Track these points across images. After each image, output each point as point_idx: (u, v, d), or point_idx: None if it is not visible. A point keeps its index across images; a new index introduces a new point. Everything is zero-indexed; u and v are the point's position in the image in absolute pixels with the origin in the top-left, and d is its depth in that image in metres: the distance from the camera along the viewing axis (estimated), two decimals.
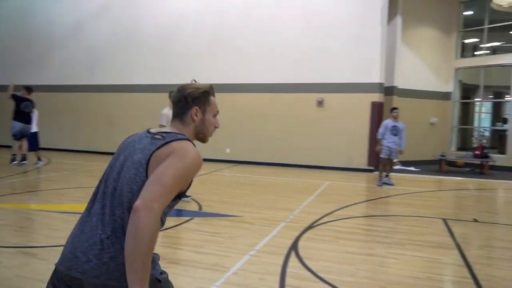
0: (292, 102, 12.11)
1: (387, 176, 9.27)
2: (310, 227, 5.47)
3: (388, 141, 8.88)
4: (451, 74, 13.83)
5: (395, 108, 9.21)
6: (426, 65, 13.46)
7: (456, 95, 14.09)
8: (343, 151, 11.63)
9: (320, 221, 5.81)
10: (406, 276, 3.82)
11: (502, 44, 14.57)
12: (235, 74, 12.61)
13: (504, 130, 13.13)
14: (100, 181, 1.63)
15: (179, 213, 5.99)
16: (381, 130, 9.00)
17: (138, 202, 1.37)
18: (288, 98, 12.18)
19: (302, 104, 11.99)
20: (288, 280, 3.62)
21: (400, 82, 12.55)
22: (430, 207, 7.12)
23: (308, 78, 11.97)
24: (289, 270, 3.86)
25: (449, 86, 13.85)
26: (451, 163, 12.75)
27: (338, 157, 11.69)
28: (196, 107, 1.73)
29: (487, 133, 17.32)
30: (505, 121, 14.22)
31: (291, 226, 5.47)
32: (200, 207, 6.44)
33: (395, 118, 8.96)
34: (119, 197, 1.52)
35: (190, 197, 6.76)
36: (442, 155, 12.21)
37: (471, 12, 14.29)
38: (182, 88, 1.75)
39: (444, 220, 6.03)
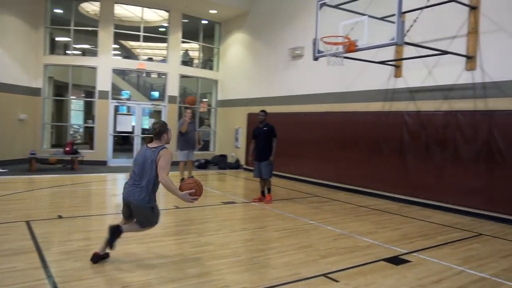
0: None
1: None
2: None
3: None
4: (40, 70, 13.54)
5: None
6: (12, 57, 12.48)
7: (46, 91, 13.95)
8: None
9: None
10: None
11: (92, 47, 15.64)
12: None
13: (93, 127, 14.19)
14: (133, 167, 4.49)
15: None
16: None
17: (160, 178, 4.22)
18: None
19: None
20: None
21: None
22: (13, 210, 6.63)
23: None
24: None
25: (38, 82, 13.51)
26: (44, 161, 12.54)
27: None
28: (165, 134, 4.50)
29: (81, 130, 18.25)
30: (93, 118, 15.37)
31: None
32: None
33: None
34: (146, 173, 4.31)
35: None
36: (32, 153, 11.78)
37: (60, 11, 14.48)
38: (160, 124, 4.55)
39: (28, 223, 5.78)
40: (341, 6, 7.51)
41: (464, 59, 7.78)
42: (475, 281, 4.26)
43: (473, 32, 7.64)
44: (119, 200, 8.49)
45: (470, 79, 7.76)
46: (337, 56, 6.87)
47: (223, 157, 14.76)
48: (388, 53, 8.97)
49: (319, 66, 10.11)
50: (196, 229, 6.01)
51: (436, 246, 5.53)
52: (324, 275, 4.24)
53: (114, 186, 10.27)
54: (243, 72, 14.60)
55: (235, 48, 15.18)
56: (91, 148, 14.13)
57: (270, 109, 12.76)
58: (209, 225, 6.32)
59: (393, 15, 6.31)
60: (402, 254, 5.07)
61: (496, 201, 7.25)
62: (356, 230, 6.25)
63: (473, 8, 7.63)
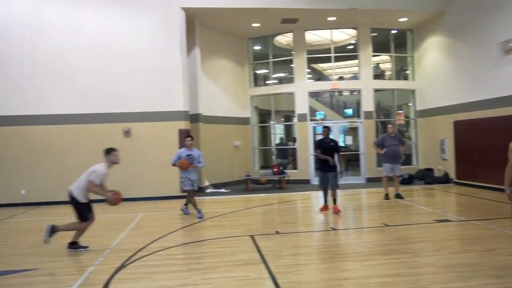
0: (96, 133, 11.35)
1: (186, 205, 9.01)
2: (122, 266, 5.11)
3: (185, 172, 8.48)
4: (248, 101, 15.40)
5: (188, 136, 8.78)
6: (225, 93, 14.61)
7: (254, 119, 15.71)
8: (154, 180, 11.46)
9: (134, 258, 5.50)
10: None
11: (286, 75, 16.97)
12: (23, 104, 11.24)
13: (295, 148, 15.19)
14: None
15: None
16: (174, 157, 8.55)
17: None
18: (91, 129, 11.38)
19: (108, 134, 11.36)
20: None
21: (204, 109, 13.23)
22: (239, 226, 7.59)
23: (113, 107, 11.50)
24: None
25: (247, 112, 15.37)
26: (256, 181, 14.01)
27: (149, 186, 11.45)
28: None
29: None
30: (295, 140, 16.45)
31: (101, 270, 5.01)
32: None
33: (189, 147, 8.53)
34: None
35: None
36: (247, 175, 13.34)
37: (259, 47, 16.25)
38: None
39: (252, 237, 6.49)
40: None
41: None
42: None
43: None
44: (323, 217, 8.76)
45: None
46: None
47: (429, 170, 13.63)
48: None
49: None
50: (411, 249, 5.66)
51: None
52: None
53: (317, 204, 10.64)
54: (443, 78, 13.36)
55: (431, 53, 14.07)
56: (295, 168, 15.10)
57: (480, 114, 11.27)
58: (424, 245, 5.87)
59: None
60: None
61: None
62: None
63: None
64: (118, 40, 11.60)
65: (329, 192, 8.76)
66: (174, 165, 8.60)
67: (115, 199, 6.12)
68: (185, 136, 9.03)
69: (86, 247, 6.08)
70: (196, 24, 13.02)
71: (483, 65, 11.40)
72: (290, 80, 15.60)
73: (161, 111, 11.56)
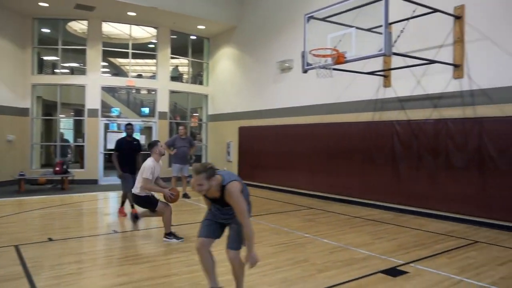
0: None
1: None
2: None
3: None
4: (28, 90, 13.45)
5: None
6: None
7: (35, 111, 13.83)
8: None
9: None
10: None
11: (80, 65, 15.58)
12: None
13: (83, 146, 14.04)
14: None
15: None
16: None
17: None
18: None
19: None
20: None
21: None
22: (2, 234, 6.48)
23: None
24: None
25: (26, 102, 13.40)
26: (33, 182, 12.35)
27: None
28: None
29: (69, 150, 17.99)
30: (83, 137, 15.22)
31: None
32: None
33: None
34: None
35: None
36: (21, 174, 11.61)
37: (47, 30, 14.44)
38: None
39: (17, 247, 5.63)
40: (329, 19, 7.57)
41: (451, 67, 7.87)
42: None
43: (459, 41, 7.74)
44: (111, 219, 8.37)
45: (458, 87, 7.84)
46: (326, 68, 6.91)
47: None
48: (377, 64, 9.05)
49: (308, 79, 10.17)
50: (189, 248, 5.90)
51: (432, 255, 5.49)
52: None
53: (105, 205, 10.11)
54: (233, 86, 14.63)
55: (224, 63, 15.23)
56: (82, 167, 13.96)
57: (261, 122, 12.80)
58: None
59: (380, 26, 6.37)
60: (399, 265, 5.02)
61: (490, 207, 7.26)
62: (352, 242, 6.20)
63: (458, 18, 7.74)
64: None
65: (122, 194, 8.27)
66: None
67: (172, 199, 6.26)
68: None
69: (181, 238, 6.23)
70: None
71: (264, 79, 12.98)
72: (83, 71, 14.37)
73: None
